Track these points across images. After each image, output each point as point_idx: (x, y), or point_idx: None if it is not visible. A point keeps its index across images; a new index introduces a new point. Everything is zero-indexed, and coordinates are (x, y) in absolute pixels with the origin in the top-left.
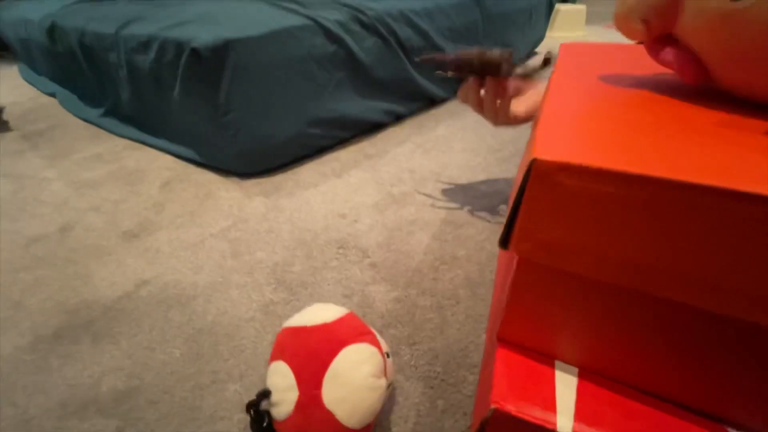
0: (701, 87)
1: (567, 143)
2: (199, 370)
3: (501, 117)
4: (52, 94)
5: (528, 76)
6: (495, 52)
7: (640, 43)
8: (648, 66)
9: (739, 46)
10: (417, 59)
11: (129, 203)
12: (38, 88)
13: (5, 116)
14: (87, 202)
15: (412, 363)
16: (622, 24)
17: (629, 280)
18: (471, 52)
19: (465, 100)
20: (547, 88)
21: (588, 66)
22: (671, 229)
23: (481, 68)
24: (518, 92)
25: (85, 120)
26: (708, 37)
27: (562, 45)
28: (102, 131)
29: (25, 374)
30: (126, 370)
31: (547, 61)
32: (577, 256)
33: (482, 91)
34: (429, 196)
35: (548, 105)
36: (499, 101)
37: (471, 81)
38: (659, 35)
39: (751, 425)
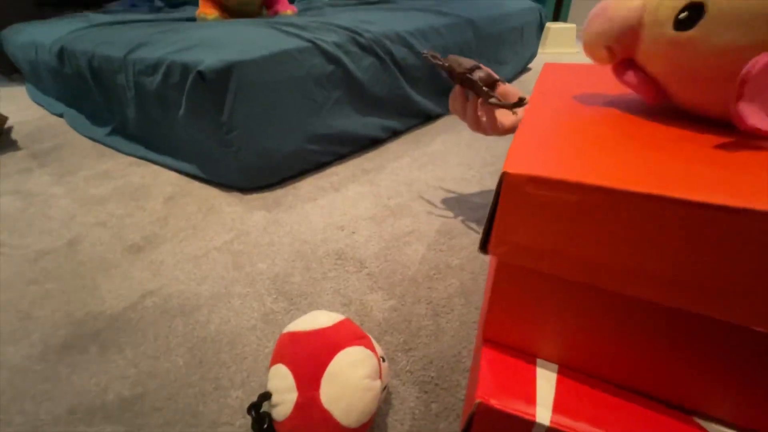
0: (663, 105)
1: (535, 157)
2: (202, 378)
3: (489, 128)
4: (60, 115)
5: (500, 107)
6: (478, 74)
7: None
8: (619, 86)
9: (687, 70)
10: (423, 52)
11: (134, 218)
12: (46, 109)
13: (13, 135)
14: (94, 217)
15: (408, 368)
16: (588, 50)
17: (593, 279)
18: (461, 64)
19: (452, 109)
20: (527, 105)
21: (565, 85)
22: (624, 232)
23: (462, 83)
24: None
25: (92, 139)
26: (661, 63)
27: (545, 64)
28: (108, 149)
29: (34, 383)
30: (131, 378)
31: (521, 101)
32: (546, 257)
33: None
34: (424, 208)
35: (523, 122)
36: (482, 115)
37: (456, 91)
38: (622, 60)
39: (716, 414)
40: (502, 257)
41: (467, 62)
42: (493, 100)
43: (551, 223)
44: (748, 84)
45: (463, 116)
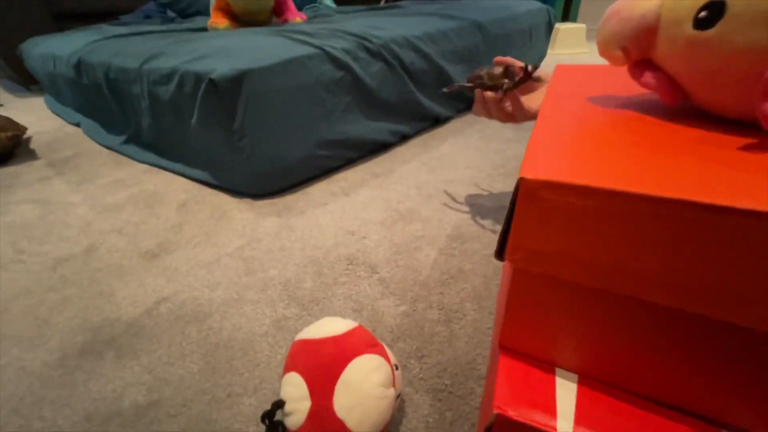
0: (681, 106)
1: (551, 162)
2: (216, 384)
3: (519, 116)
4: (77, 124)
5: (513, 88)
6: (487, 73)
7: None
8: (634, 87)
9: (707, 70)
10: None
11: (149, 225)
12: (63, 119)
13: (32, 145)
14: (110, 225)
15: (421, 376)
16: (603, 51)
17: (613, 285)
18: (475, 78)
19: (478, 114)
20: (540, 109)
21: (578, 87)
22: (643, 237)
23: (488, 86)
24: (530, 90)
25: (108, 147)
26: (680, 63)
27: (557, 66)
28: (123, 157)
29: (53, 389)
30: (146, 385)
31: (525, 70)
32: (564, 264)
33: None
34: (435, 212)
35: (538, 126)
36: (508, 104)
37: (478, 97)
38: (638, 60)
39: (744, 426)
40: (519, 264)
41: (478, 71)
42: (506, 86)
43: (569, 228)
44: None
45: (490, 115)
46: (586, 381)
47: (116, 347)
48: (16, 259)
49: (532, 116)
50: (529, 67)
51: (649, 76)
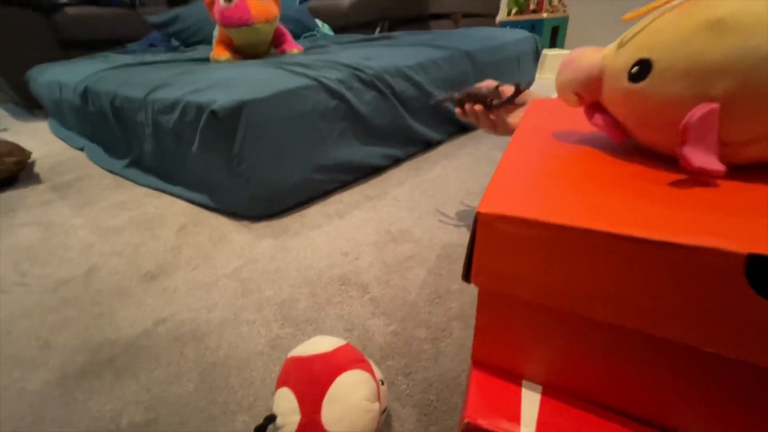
0: (627, 143)
1: (507, 197)
2: (212, 402)
3: (501, 129)
4: (81, 148)
5: (504, 104)
6: (478, 92)
7: None
8: None
9: (641, 116)
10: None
11: (149, 247)
12: (67, 143)
13: (36, 168)
14: (111, 247)
15: (408, 392)
16: (560, 95)
17: (564, 305)
18: (466, 93)
19: (465, 118)
20: (509, 144)
21: (546, 123)
22: (583, 263)
23: (475, 101)
24: (514, 110)
25: (110, 171)
26: (620, 108)
27: (532, 102)
28: (125, 181)
29: (53, 408)
30: (144, 404)
31: (517, 88)
32: (521, 285)
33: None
34: (425, 233)
35: (502, 161)
36: (493, 117)
37: (468, 108)
38: (590, 104)
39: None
40: (482, 286)
41: (469, 89)
42: (495, 102)
43: (523, 255)
44: (689, 131)
45: (477, 122)
46: (549, 391)
47: (115, 367)
48: (18, 282)
49: (510, 131)
50: (521, 86)
51: (598, 118)
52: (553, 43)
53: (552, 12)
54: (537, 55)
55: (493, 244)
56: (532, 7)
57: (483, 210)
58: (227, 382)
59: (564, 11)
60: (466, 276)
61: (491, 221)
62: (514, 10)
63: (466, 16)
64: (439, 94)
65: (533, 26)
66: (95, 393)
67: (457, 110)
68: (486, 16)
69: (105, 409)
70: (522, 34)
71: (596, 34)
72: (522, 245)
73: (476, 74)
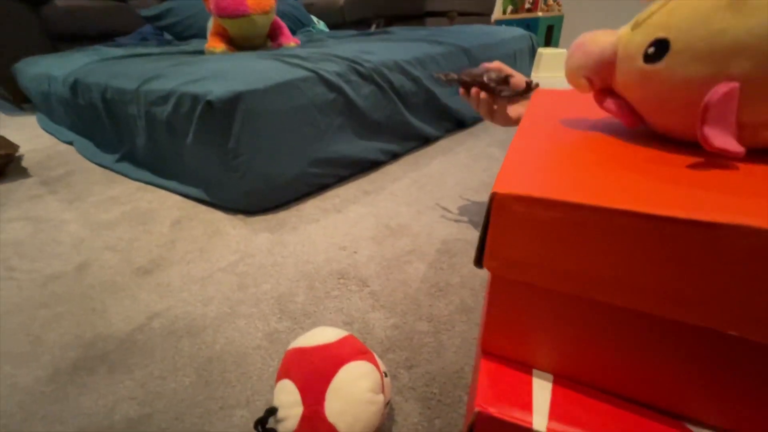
0: (639, 129)
1: (522, 178)
2: (208, 397)
3: (499, 119)
4: (70, 143)
5: (513, 97)
6: (488, 76)
7: None
8: (602, 111)
9: (657, 99)
10: (434, 75)
11: (142, 241)
12: (56, 137)
13: (24, 163)
14: (103, 242)
15: (411, 385)
16: (569, 80)
17: (579, 289)
18: (472, 74)
19: (465, 99)
20: (517, 129)
21: (553, 111)
22: (600, 244)
23: (484, 88)
24: (515, 102)
25: (101, 165)
26: (635, 92)
27: (536, 91)
28: (117, 175)
29: (44, 404)
30: (138, 399)
31: (528, 86)
32: (536, 270)
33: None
34: (424, 227)
35: (513, 145)
36: (495, 106)
37: (473, 92)
38: (601, 89)
39: (703, 419)
40: (495, 271)
41: (477, 70)
42: (505, 93)
43: (538, 238)
44: (709, 110)
45: (477, 107)
46: (560, 381)
47: (108, 362)
48: (6, 277)
49: (512, 123)
50: (533, 83)
51: (610, 103)
52: (549, 42)
53: (547, 11)
54: (533, 52)
55: (507, 227)
56: (527, 5)
57: (499, 190)
58: (224, 376)
59: (559, 10)
60: (479, 261)
61: (507, 202)
62: (509, 9)
63: (461, 14)
64: (439, 94)
65: (528, 25)
66: (88, 389)
67: (461, 91)
68: (481, 15)
69: (98, 404)
70: (518, 31)
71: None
72: (537, 227)
73: None
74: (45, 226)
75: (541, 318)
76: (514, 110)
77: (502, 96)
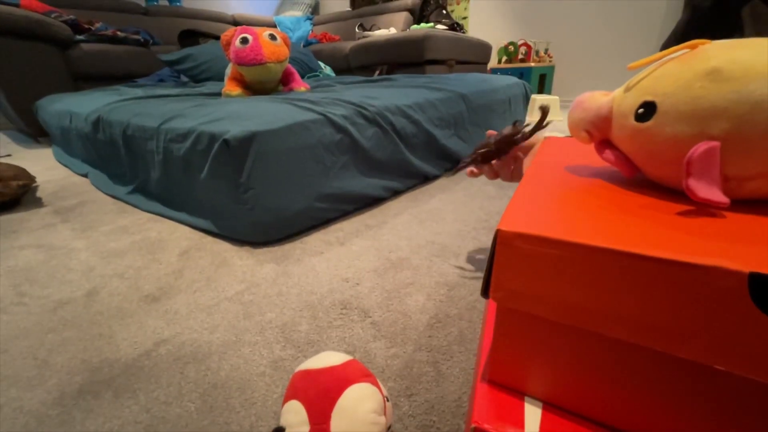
0: (637, 177)
1: (525, 218)
2: (213, 422)
3: (516, 175)
4: (84, 175)
5: (536, 130)
6: (508, 130)
7: None
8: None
9: (648, 152)
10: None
11: (150, 270)
12: (71, 169)
13: (38, 193)
14: (112, 270)
15: (410, 413)
16: (572, 132)
17: (577, 321)
18: (489, 143)
19: (479, 174)
20: (525, 173)
21: (560, 157)
22: (597, 281)
23: (502, 148)
24: (527, 150)
25: (114, 197)
26: (628, 145)
27: (546, 138)
28: (128, 206)
29: (50, 428)
30: (143, 423)
31: (543, 113)
32: (538, 302)
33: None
34: (423, 261)
35: (520, 187)
36: (513, 166)
37: (485, 167)
38: (600, 140)
39: None
40: (500, 302)
41: (482, 143)
42: (526, 131)
43: (538, 272)
44: (692, 165)
45: (496, 177)
46: (551, 408)
47: (114, 387)
48: (17, 302)
49: (513, 178)
50: (545, 108)
51: (608, 154)
52: (541, 89)
53: (539, 61)
54: (527, 99)
55: (511, 262)
56: (520, 56)
57: (503, 228)
58: (228, 402)
59: (550, 61)
60: (485, 292)
61: (510, 239)
62: (504, 59)
63: (459, 62)
64: (438, 136)
65: (522, 74)
66: (93, 413)
67: (469, 171)
68: (478, 63)
69: (103, 428)
70: (512, 79)
71: (580, 81)
72: (539, 263)
73: (470, 115)
74: (56, 253)
75: (544, 347)
76: (527, 160)
77: (529, 132)
